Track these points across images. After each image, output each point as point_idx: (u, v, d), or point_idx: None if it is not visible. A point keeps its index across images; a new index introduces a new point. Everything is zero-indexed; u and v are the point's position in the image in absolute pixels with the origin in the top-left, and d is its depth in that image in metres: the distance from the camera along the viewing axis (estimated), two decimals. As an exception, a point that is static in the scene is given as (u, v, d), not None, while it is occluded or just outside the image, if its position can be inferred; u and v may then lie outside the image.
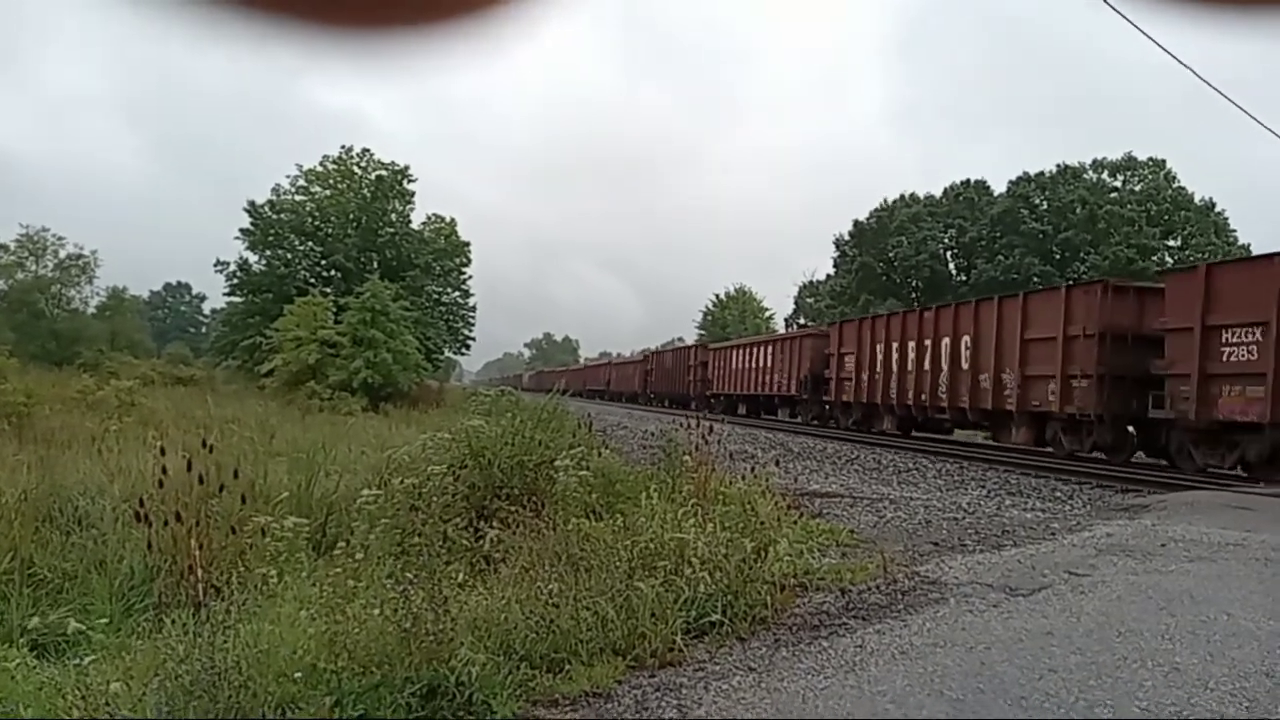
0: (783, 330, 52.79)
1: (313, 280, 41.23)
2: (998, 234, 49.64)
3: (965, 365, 18.21)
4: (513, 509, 6.99)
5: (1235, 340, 12.35)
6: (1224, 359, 12.47)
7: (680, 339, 73.60)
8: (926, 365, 19.59)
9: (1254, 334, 12.04)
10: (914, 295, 51.49)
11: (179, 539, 5.91)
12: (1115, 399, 14.57)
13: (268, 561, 5.40)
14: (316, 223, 42.62)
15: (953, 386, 18.65)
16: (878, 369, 21.66)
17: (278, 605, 4.63)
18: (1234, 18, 0.70)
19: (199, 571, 5.60)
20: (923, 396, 19.72)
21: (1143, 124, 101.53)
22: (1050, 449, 15.96)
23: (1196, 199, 48.36)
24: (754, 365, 30.29)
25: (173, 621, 4.29)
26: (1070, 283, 16.86)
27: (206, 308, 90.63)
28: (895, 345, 20.92)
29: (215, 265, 42.75)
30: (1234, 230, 47.74)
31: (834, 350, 24.12)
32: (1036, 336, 16.19)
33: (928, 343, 19.63)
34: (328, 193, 43.33)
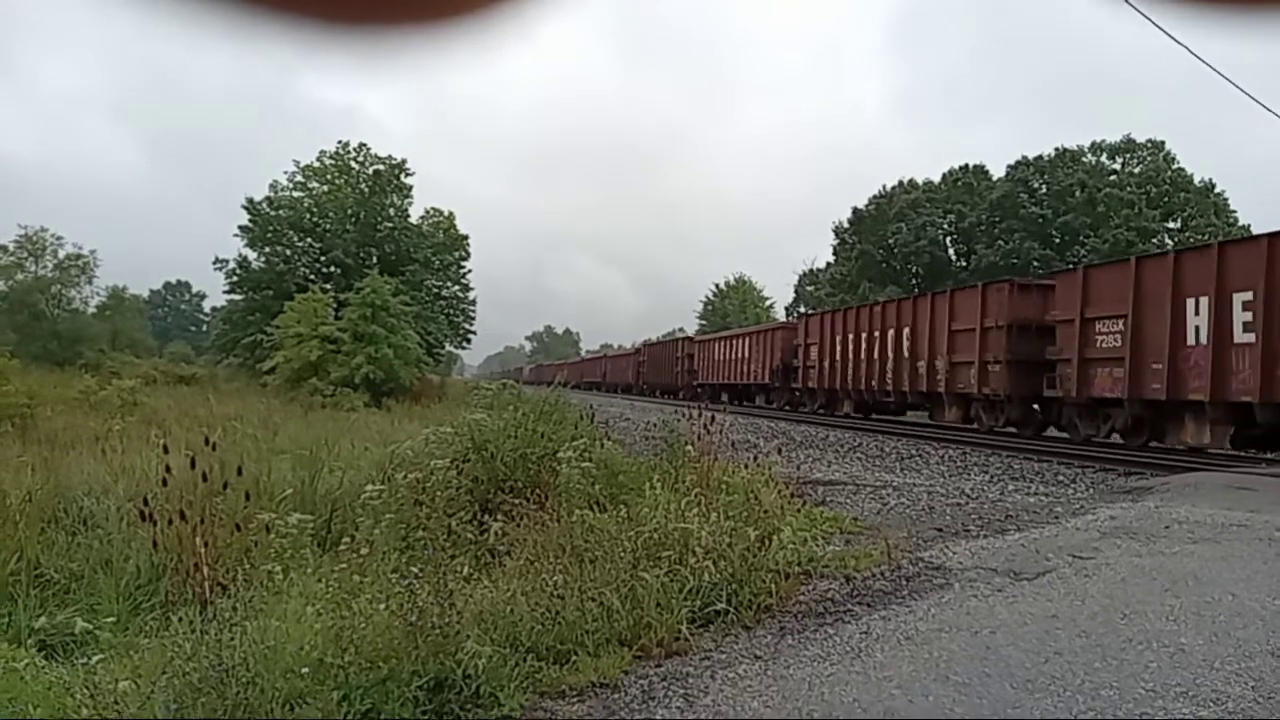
0: (782, 319, 52.84)
1: (312, 276, 41.19)
2: (997, 219, 49.49)
3: (906, 354, 20.66)
4: (516, 502, 7.00)
5: (1105, 330, 14.71)
6: (1097, 345, 14.82)
7: (681, 329, 73.58)
8: (876, 354, 22.00)
9: (1118, 325, 14.36)
10: (914, 282, 51.39)
11: (184, 537, 5.93)
12: (1021, 381, 16.86)
13: (273, 558, 5.41)
14: (315, 219, 42.56)
15: (897, 372, 21.05)
16: (837, 358, 24.16)
17: (284, 602, 4.64)
18: (1236, 17, 0.70)
19: (205, 569, 5.61)
20: (874, 382, 22.14)
21: (1141, 105, 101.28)
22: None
23: (1196, 180, 48.21)
24: (733, 356, 32.80)
25: (179, 619, 4.30)
26: (985, 282, 19.44)
27: (207, 306, 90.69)
28: (851, 337, 23.37)
29: (214, 263, 42.76)
30: (1234, 211, 47.59)
31: (801, 342, 26.50)
32: (960, 328, 18.62)
33: (877, 334, 22.06)
34: (325, 188, 43.24)
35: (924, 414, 21.58)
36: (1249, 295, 12.12)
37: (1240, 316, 12.27)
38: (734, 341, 33.73)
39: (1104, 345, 14.69)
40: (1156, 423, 14.22)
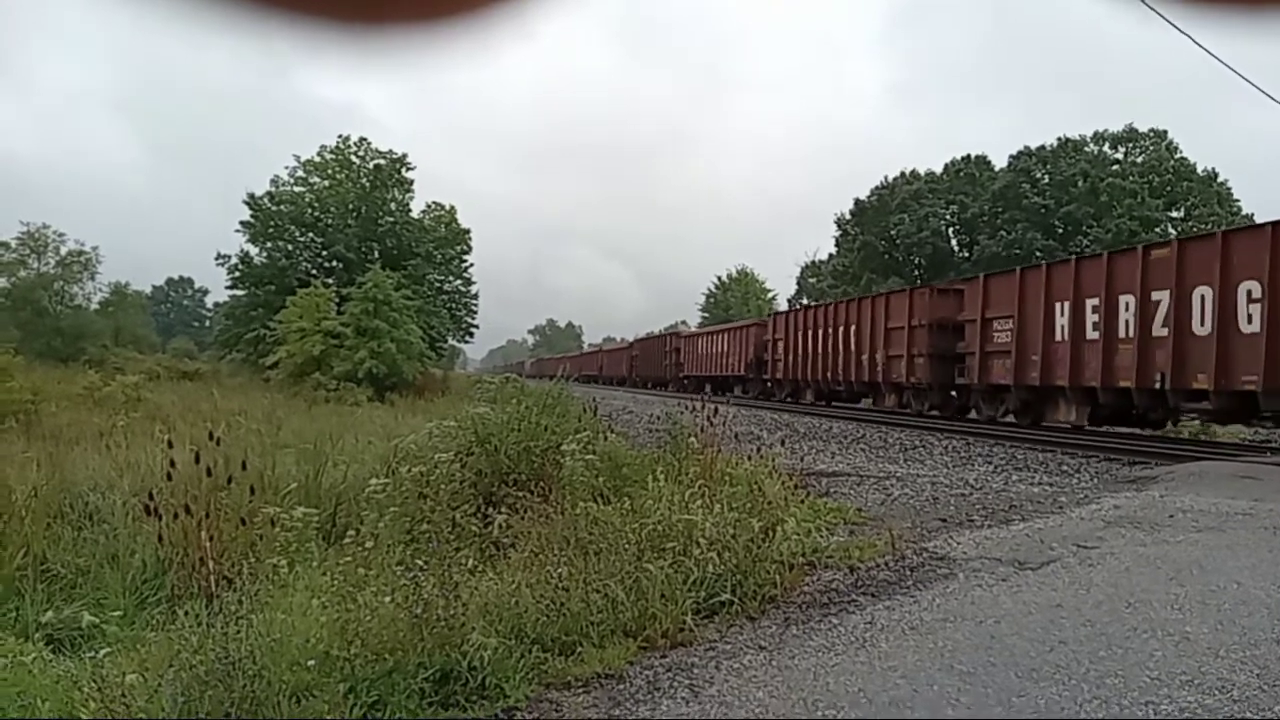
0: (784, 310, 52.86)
1: (314, 271, 41.18)
2: (999, 209, 49.38)
3: (853, 348, 23.48)
4: (520, 494, 7.01)
5: (999, 328, 17.62)
6: (994, 341, 17.73)
7: (684, 322, 73.62)
8: (830, 349, 24.86)
9: (1009, 324, 17.26)
10: (916, 273, 51.32)
11: (189, 531, 5.95)
12: (940, 371, 19.77)
13: (278, 552, 5.42)
14: (316, 213, 42.53)
15: (846, 365, 23.87)
16: (799, 352, 27.06)
17: (289, 595, 4.65)
18: (1240, 15, 0.69)
19: (210, 563, 5.63)
20: (828, 373, 24.92)
21: (1143, 94, 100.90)
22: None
23: (1199, 169, 48.07)
24: (714, 351, 35.84)
25: (186, 613, 4.31)
26: (914, 286, 23.42)
27: (209, 301, 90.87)
28: (810, 333, 26.28)
29: (216, 259, 42.75)
30: (1237, 200, 47.49)
31: (770, 338, 29.46)
32: (894, 326, 21.42)
33: (830, 331, 24.88)
34: (326, 183, 43.19)
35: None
36: (1096, 301, 15.08)
37: (1090, 318, 15.25)
38: (714, 337, 36.90)
39: (998, 341, 17.62)
40: (1037, 404, 17.12)
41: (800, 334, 26.88)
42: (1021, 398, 17.28)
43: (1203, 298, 13.02)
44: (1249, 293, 12.34)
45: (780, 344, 28.44)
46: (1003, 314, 17.46)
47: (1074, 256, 17.93)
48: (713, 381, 34.76)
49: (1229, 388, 12.55)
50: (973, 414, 19.56)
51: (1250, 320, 12.28)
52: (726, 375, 33.82)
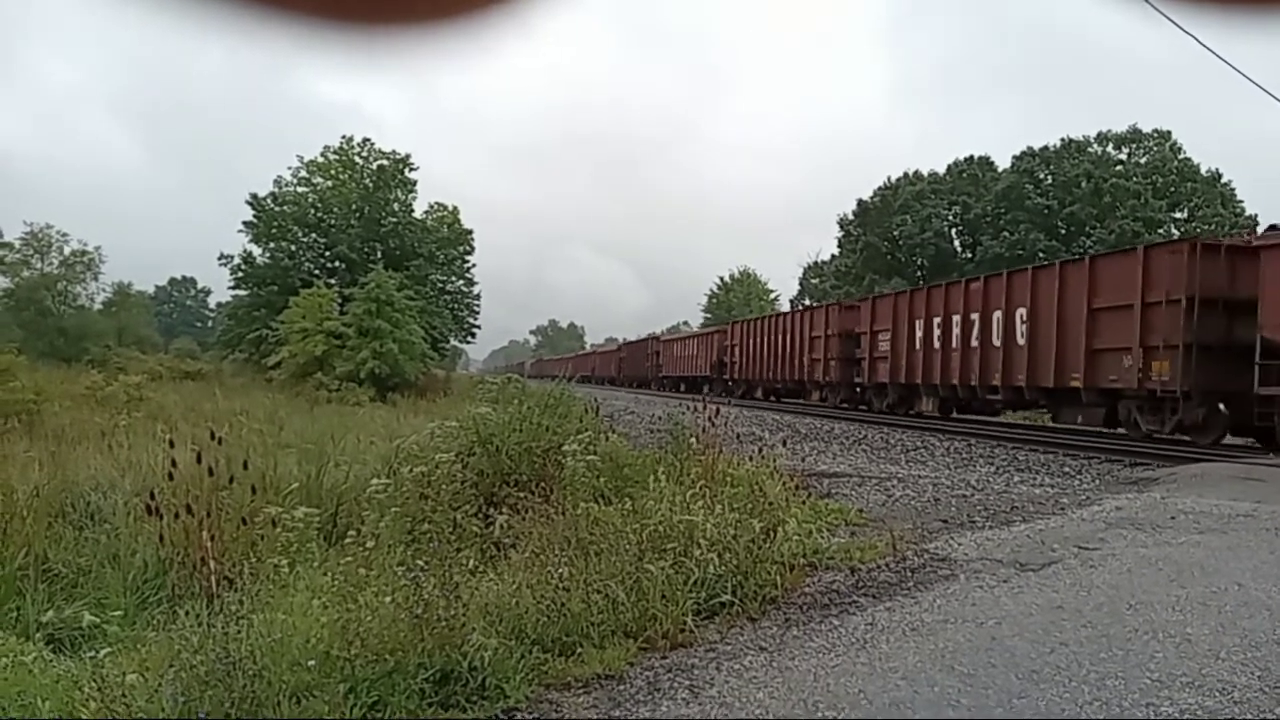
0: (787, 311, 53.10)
1: (317, 271, 41.23)
2: (1002, 210, 49.28)
3: (788, 353, 28.29)
4: (522, 495, 7.01)
5: (881, 339, 22.38)
6: (878, 349, 22.53)
7: (686, 323, 73.88)
8: (772, 353, 29.77)
9: (888, 336, 21.92)
10: (919, 274, 51.24)
11: (191, 531, 5.94)
12: (844, 371, 24.76)
13: (279, 552, 5.42)
14: (319, 214, 42.59)
15: (783, 366, 28.64)
16: (750, 356, 32.14)
17: (290, 595, 4.66)
18: (1241, 16, 0.69)
19: (211, 563, 5.63)
20: (770, 373, 30.01)
21: (1148, 94, 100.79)
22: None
23: (1203, 170, 47.96)
24: (686, 354, 41.16)
25: (186, 613, 4.31)
26: (827, 304, 28.69)
27: (212, 301, 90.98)
28: (758, 340, 31.43)
29: (219, 259, 42.86)
30: (1241, 201, 47.36)
31: (729, 343, 34.66)
32: (814, 335, 26.45)
33: (772, 338, 29.88)
34: (329, 183, 43.25)
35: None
36: (939, 319, 19.79)
37: (935, 333, 19.87)
38: (686, 342, 42.72)
39: (881, 349, 22.36)
40: (908, 398, 21.94)
41: (751, 341, 32.16)
42: (897, 393, 22.25)
43: (997, 319, 17.65)
44: (1021, 316, 17.03)
45: (736, 349, 33.73)
46: (884, 328, 22.22)
47: (927, 286, 22.93)
48: (685, 380, 39.77)
49: (1010, 384, 17.39)
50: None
51: (1022, 336, 16.95)
52: (695, 375, 38.37)
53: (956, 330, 18.96)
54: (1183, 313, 13.13)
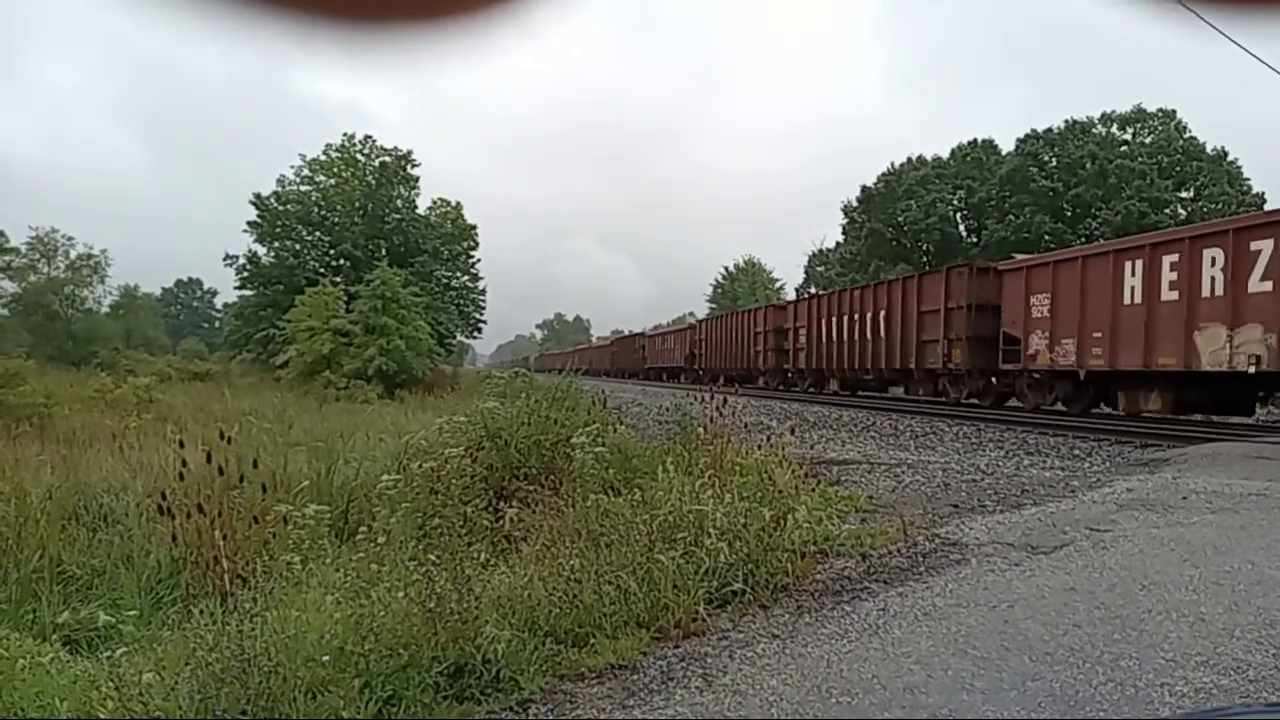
0: (792, 299, 53.34)
1: (322, 270, 41.36)
2: (1007, 193, 49.09)
3: (743, 344, 33.19)
4: (531, 488, 7.03)
5: (802, 335, 27.83)
6: (799, 342, 28.18)
7: (691, 313, 73.87)
8: (729, 346, 34.91)
9: (805, 331, 27.57)
10: (925, 259, 51.09)
11: (203, 531, 5.97)
12: (779, 360, 29.88)
13: (291, 549, 5.44)
14: (323, 212, 42.67)
15: (737, 356, 33.69)
16: (713, 348, 37.34)
17: (303, 592, 4.68)
18: (1241, 17, 0.69)
19: (224, 562, 5.66)
20: (729, 363, 34.51)
21: (1151, 75, 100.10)
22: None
23: (1209, 149, 47.66)
24: (665, 348, 46.20)
25: (201, 612, 4.33)
26: (764, 306, 33.83)
27: (219, 302, 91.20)
28: (719, 335, 36.60)
29: (224, 259, 42.98)
30: (1248, 179, 47.09)
31: (697, 338, 39.97)
32: (757, 331, 31.60)
33: (729, 333, 35.09)
34: (333, 182, 43.31)
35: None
36: (836, 318, 25.22)
37: (834, 329, 25.31)
38: (666, 337, 48.15)
39: (801, 342, 27.95)
40: (821, 380, 27.18)
41: (713, 336, 37.62)
42: (812, 376, 27.57)
43: (869, 320, 23.12)
44: (882, 317, 22.43)
45: (702, 343, 38.94)
46: (802, 325, 27.81)
47: (838, 290, 28.94)
48: (665, 371, 45.49)
49: (876, 367, 23.05)
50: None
51: (882, 332, 22.46)
52: (672, 366, 43.88)
53: (846, 328, 24.55)
54: (966, 315, 18.77)
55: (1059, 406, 17.19)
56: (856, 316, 23.86)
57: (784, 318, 29.69)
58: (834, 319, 25.25)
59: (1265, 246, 12.31)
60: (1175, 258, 13.79)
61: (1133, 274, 14.56)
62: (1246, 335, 12.48)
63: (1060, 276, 16.43)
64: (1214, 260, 13.08)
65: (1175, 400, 14.36)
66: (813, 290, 53.69)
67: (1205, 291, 13.21)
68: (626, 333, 66.93)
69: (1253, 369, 12.32)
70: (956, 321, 19.09)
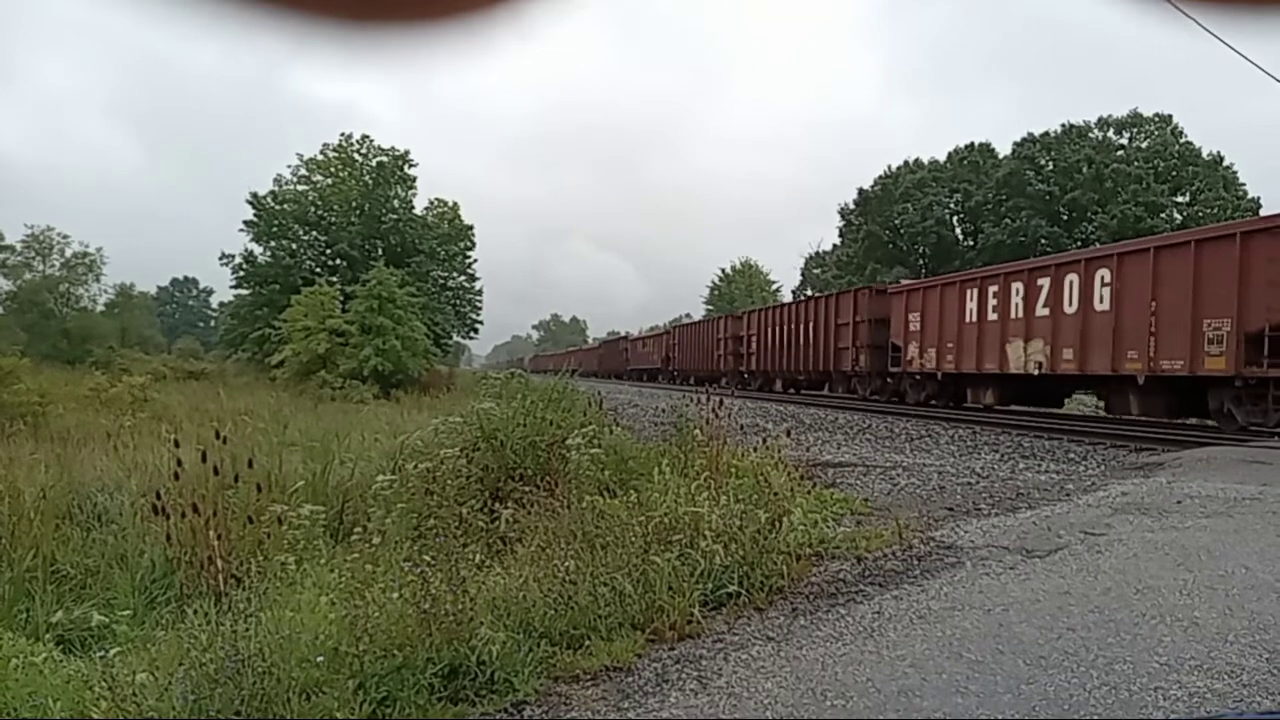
0: (789, 301, 53.63)
1: (318, 270, 41.31)
2: (1004, 197, 49.19)
3: (707, 350, 37.40)
4: (527, 489, 7.02)
5: (754, 341, 31.71)
6: (750, 348, 32.09)
7: (688, 315, 74.10)
8: (697, 350, 39.02)
9: (756, 338, 31.48)
10: (921, 262, 51.18)
11: (197, 531, 5.95)
12: (737, 363, 33.57)
13: (286, 549, 5.43)
14: (319, 212, 42.61)
15: (706, 360, 37.21)
16: (685, 352, 41.33)
17: (297, 592, 4.67)
18: (1240, 18, 0.69)
19: (218, 562, 5.64)
20: (698, 365, 38.15)
21: (1148, 80, 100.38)
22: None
23: (1204, 154, 47.79)
24: (646, 351, 50.62)
25: (195, 612, 4.31)
26: (723, 315, 38.97)
27: (214, 301, 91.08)
28: (689, 341, 41.09)
29: (220, 258, 42.90)
30: (1243, 184, 47.26)
31: (672, 343, 44.38)
32: (719, 338, 35.65)
33: (697, 339, 39.57)
34: (329, 181, 43.25)
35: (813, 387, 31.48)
36: (777, 328, 29.42)
37: (775, 336, 29.42)
38: (646, 341, 52.38)
39: (753, 347, 31.87)
40: (769, 381, 30.72)
41: (685, 341, 41.87)
42: (762, 377, 31.12)
43: (800, 329, 27.41)
44: (811, 327, 26.63)
45: (676, 347, 43.30)
46: (754, 333, 31.86)
47: (770, 306, 34.36)
48: (645, 372, 49.43)
49: (806, 369, 27.20)
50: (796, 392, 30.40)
51: (811, 340, 26.62)
52: (651, 368, 48.10)
53: (787, 336, 28.64)
54: (868, 328, 23.00)
55: (932, 402, 20.78)
56: (793, 327, 28.13)
57: (740, 327, 33.94)
58: (777, 329, 29.53)
59: (1044, 283, 16.61)
60: (995, 288, 18.04)
61: (970, 299, 18.93)
62: (1035, 347, 16.75)
63: (927, 299, 20.60)
64: (1017, 290, 17.30)
65: (999, 395, 18.62)
66: (809, 292, 53.89)
67: (1013, 315, 17.45)
68: (619, 335, 72.04)
69: (1036, 371, 16.71)
70: (861, 333, 23.53)
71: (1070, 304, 15.82)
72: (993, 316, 17.94)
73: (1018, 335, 17.14)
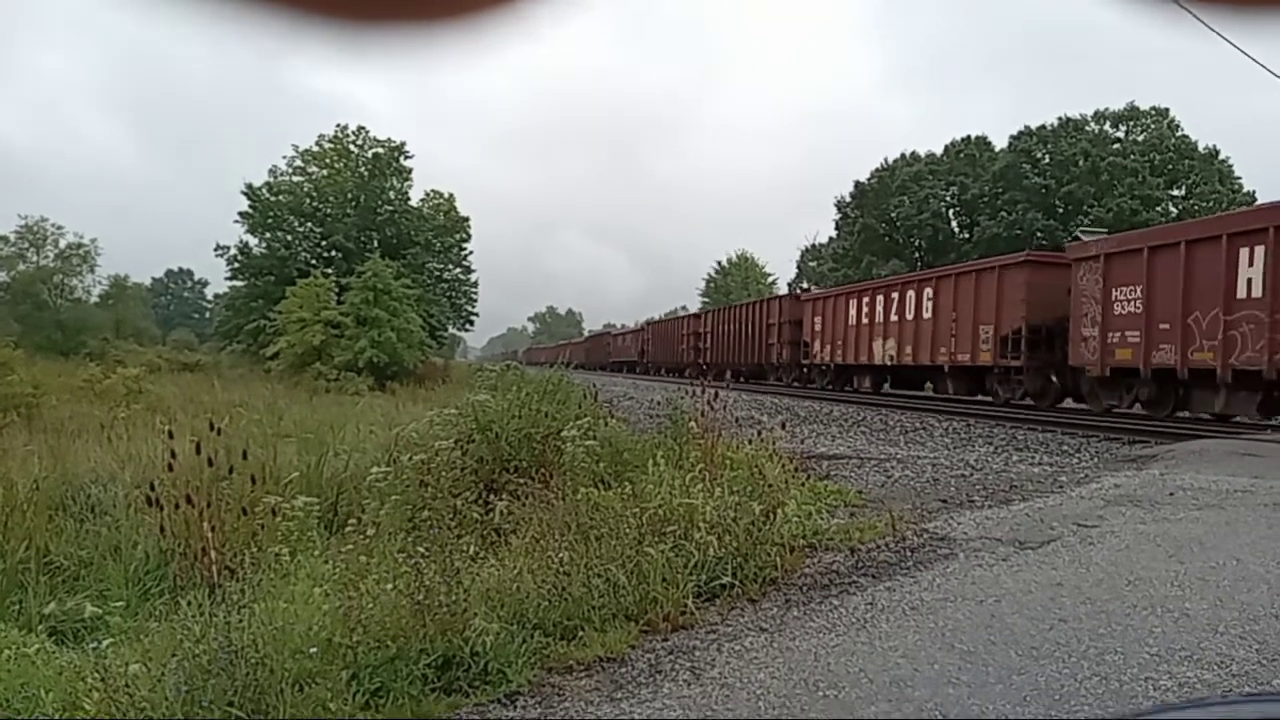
0: (785, 293, 53.77)
1: (314, 261, 41.13)
2: (1000, 190, 49.13)
3: (679, 344, 40.74)
4: (521, 481, 7.02)
5: (708, 338, 36.69)
6: (705, 342, 37.03)
7: (684, 307, 74.25)
8: (670, 344, 42.70)
9: (710, 334, 36.62)
10: (917, 255, 51.17)
11: (191, 522, 5.95)
12: (698, 355, 36.45)
13: (280, 541, 5.43)
14: (315, 203, 42.46)
15: (680, 354, 40.21)
16: (657, 346, 45.42)
17: (291, 584, 4.67)
18: (1239, 19, 0.69)
19: (212, 553, 5.64)
20: (667, 358, 42.59)
21: (1142, 69, 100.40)
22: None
23: (1200, 147, 47.80)
24: (625, 345, 54.77)
25: (188, 603, 4.32)
26: (688, 314, 44.96)
27: (209, 293, 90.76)
28: (661, 335, 45.35)
29: (215, 250, 42.76)
30: (1239, 178, 47.24)
31: (646, 337, 48.59)
32: (683, 333, 40.00)
33: (666, 335, 44.01)
34: (325, 173, 43.11)
35: (835, 383, 31.70)
36: (737, 325, 33.45)
37: (726, 333, 34.07)
38: (625, 336, 56.86)
39: (707, 342, 36.50)
40: (721, 371, 27.10)
41: (658, 336, 46.21)
42: (716, 369, 29.80)
43: (745, 329, 32.43)
44: (751, 326, 31.73)
45: (650, 341, 47.53)
46: (709, 330, 36.64)
47: (721, 307, 40.00)
48: (625, 364, 52.75)
49: (748, 363, 31.64)
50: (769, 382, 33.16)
51: (752, 337, 31.63)
52: (630, 360, 51.56)
53: (733, 332, 33.64)
54: (790, 328, 28.32)
55: (829, 386, 25.67)
56: (738, 325, 33.42)
57: (699, 324, 38.70)
58: (727, 326, 34.74)
59: (896, 296, 21.89)
60: (868, 299, 23.49)
61: (852, 308, 24.26)
62: (890, 345, 22.08)
63: (826, 306, 26.11)
64: (880, 302, 22.75)
65: (873, 381, 23.85)
66: (805, 285, 53.98)
67: (877, 320, 22.78)
68: (604, 330, 76.71)
69: (889, 362, 22.22)
70: (784, 332, 28.80)
71: (910, 313, 21.21)
72: (865, 321, 23.45)
73: (879, 335, 22.64)
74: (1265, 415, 12.86)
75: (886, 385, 23.80)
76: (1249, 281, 12.41)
